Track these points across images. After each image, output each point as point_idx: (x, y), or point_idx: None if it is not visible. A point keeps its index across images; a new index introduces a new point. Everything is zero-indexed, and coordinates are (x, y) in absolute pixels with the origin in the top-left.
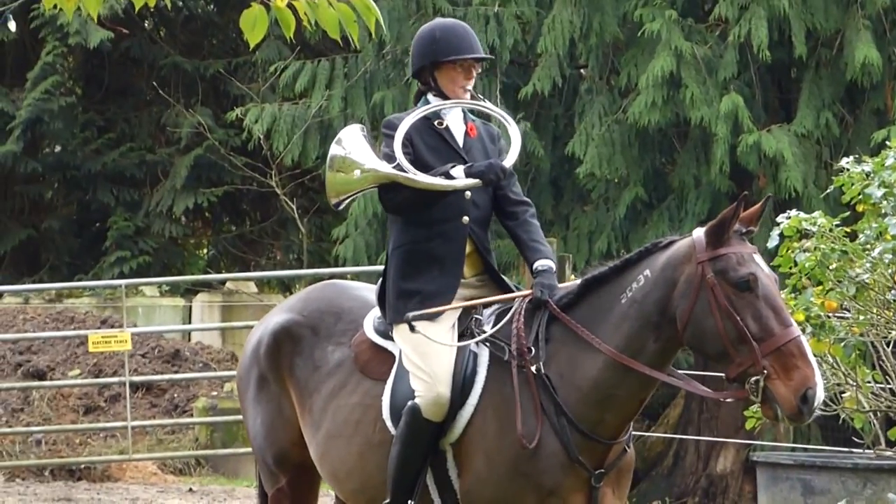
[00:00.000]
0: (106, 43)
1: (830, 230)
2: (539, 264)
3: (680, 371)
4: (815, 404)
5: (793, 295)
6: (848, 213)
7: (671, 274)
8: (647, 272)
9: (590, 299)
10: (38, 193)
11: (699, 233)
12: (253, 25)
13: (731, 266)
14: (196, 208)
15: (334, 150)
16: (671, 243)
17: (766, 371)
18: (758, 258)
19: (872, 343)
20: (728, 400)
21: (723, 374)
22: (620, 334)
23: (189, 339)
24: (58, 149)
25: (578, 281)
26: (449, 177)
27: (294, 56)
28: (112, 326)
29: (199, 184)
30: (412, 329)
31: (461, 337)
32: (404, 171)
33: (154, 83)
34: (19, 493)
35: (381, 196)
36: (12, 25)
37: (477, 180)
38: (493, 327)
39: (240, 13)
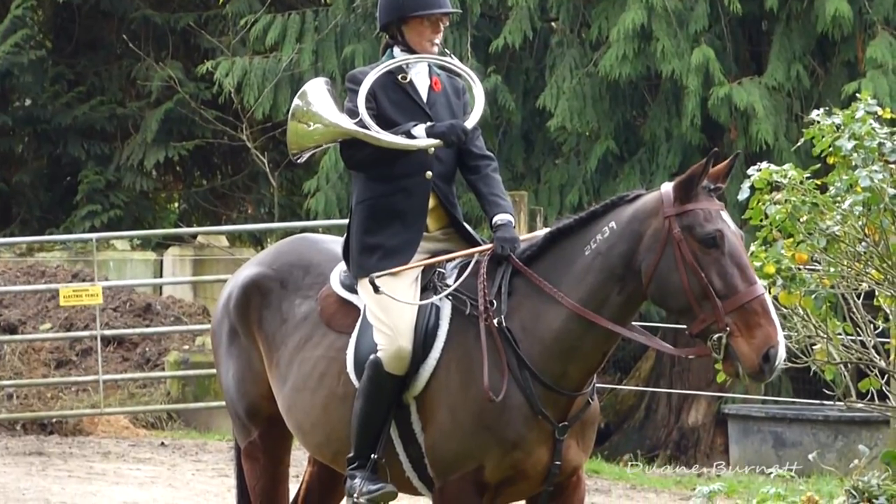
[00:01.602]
0: None
1: (801, 182)
2: (498, 219)
3: (652, 324)
4: (777, 363)
5: (763, 247)
6: (819, 166)
7: (637, 227)
8: (613, 224)
9: (554, 251)
10: (9, 147)
11: (667, 187)
12: None
13: (697, 222)
14: (167, 162)
15: (297, 102)
16: (638, 196)
17: (728, 328)
18: (725, 215)
19: (843, 295)
20: (690, 357)
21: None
22: (584, 286)
23: (160, 293)
24: (28, 102)
25: (543, 232)
26: (411, 136)
27: (264, 9)
28: (83, 280)
29: (170, 137)
30: (376, 290)
31: (424, 290)
32: (366, 128)
33: (124, 36)
34: None
35: (343, 152)
36: None
37: (438, 141)
38: (455, 281)
39: None
